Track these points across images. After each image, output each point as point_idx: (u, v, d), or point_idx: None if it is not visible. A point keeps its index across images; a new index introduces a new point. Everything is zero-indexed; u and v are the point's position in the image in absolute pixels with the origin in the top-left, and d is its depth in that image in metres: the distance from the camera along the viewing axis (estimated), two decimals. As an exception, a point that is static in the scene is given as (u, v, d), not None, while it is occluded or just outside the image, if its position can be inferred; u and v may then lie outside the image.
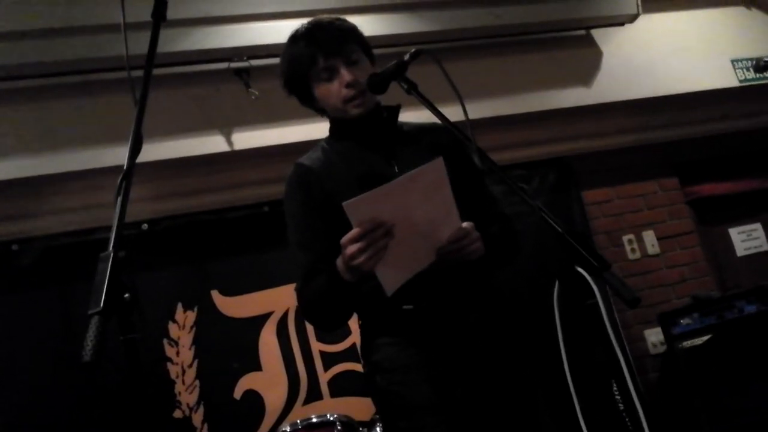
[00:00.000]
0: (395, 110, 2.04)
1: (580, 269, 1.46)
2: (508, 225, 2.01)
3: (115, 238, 1.24)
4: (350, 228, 1.55)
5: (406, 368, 1.84)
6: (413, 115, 2.11)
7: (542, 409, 1.94)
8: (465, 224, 1.71)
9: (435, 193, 1.64)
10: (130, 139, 1.40)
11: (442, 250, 1.69)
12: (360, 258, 1.54)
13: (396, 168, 1.89)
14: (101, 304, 1.12)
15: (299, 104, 2.07)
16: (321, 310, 1.89)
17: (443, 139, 1.91)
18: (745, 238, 5.14)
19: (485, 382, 1.82)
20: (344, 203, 1.49)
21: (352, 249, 1.55)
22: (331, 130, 2.07)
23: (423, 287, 1.79)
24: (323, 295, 1.78)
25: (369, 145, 1.96)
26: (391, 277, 1.62)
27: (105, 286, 1.14)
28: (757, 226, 5.18)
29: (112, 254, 1.20)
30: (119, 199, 1.32)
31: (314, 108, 2.06)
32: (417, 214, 1.62)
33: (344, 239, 1.56)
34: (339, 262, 1.65)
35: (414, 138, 2.03)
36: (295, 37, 1.96)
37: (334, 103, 1.95)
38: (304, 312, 1.94)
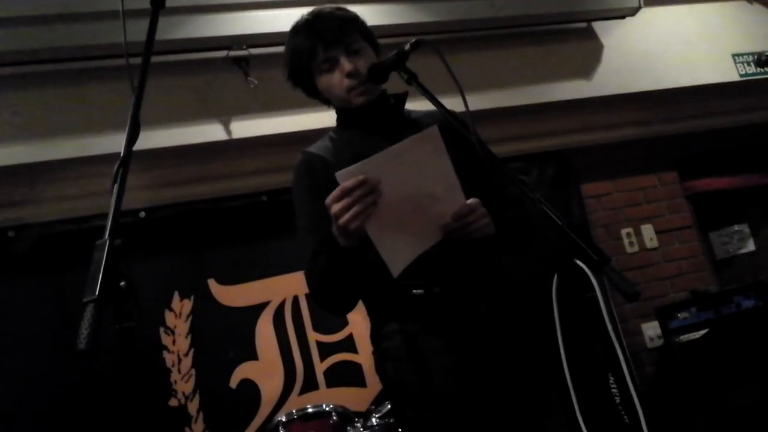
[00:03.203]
0: (402, 97, 2.03)
1: (579, 262, 1.45)
2: (521, 208, 1.97)
3: (111, 226, 1.23)
4: None
5: (416, 357, 1.82)
6: (413, 107, 2.10)
7: (555, 402, 1.93)
8: (471, 201, 1.68)
9: (433, 165, 1.61)
10: (128, 126, 1.39)
11: (447, 227, 1.66)
12: (345, 216, 1.50)
13: None
14: (97, 292, 1.11)
15: (298, 93, 2.05)
16: (327, 287, 1.83)
17: (450, 125, 1.89)
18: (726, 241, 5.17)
19: (496, 373, 1.81)
20: (337, 173, 1.47)
21: (336, 207, 1.51)
22: (337, 120, 2.07)
23: (434, 270, 1.79)
24: (326, 268, 1.74)
25: (376, 132, 1.95)
26: (396, 257, 1.58)
27: (101, 274, 1.13)
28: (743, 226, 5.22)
29: (108, 242, 1.18)
30: (116, 186, 1.30)
31: (320, 99, 2.05)
32: (415, 187, 1.59)
33: (328, 199, 1.53)
34: (333, 227, 1.60)
35: (421, 125, 2.01)
36: (296, 29, 1.95)
37: (336, 94, 1.94)
38: (313, 294, 1.89)
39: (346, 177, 1.48)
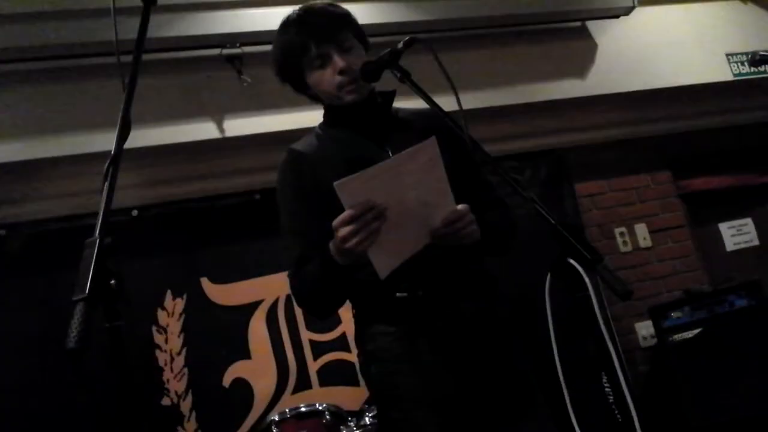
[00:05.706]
0: (390, 96, 2.02)
1: (572, 261, 1.45)
2: (505, 212, 2.00)
3: (101, 224, 1.22)
4: (342, 212, 1.53)
5: (400, 358, 1.83)
6: (406, 105, 2.09)
7: (540, 401, 1.93)
8: (460, 206, 1.69)
9: (429, 174, 1.62)
10: (118, 124, 1.38)
11: (436, 232, 1.67)
12: (352, 241, 1.52)
13: (389, 153, 1.87)
14: (86, 291, 1.10)
15: (292, 91, 2.05)
16: (314, 296, 1.87)
17: (438, 125, 1.88)
18: (735, 233, 5.15)
19: (479, 373, 1.82)
20: (335, 183, 1.47)
21: (344, 231, 1.53)
22: (325, 116, 2.06)
23: (417, 274, 1.79)
24: (317, 280, 1.76)
25: (363, 131, 1.95)
26: (384, 260, 1.59)
27: (90, 273, 1.13)
28: (748, 221, 5.20)
29: (97, 240, 1.18)
30: (106, 184, 1.30)
31: (308, 95, 2.04)
32: (410, 196, 1.60)
33: (336, 221, 1.54)
34: (331, 245, 1.63)
35: (408, 124, 2.01)
36: (287, 23, 1.94)
37: (327, 90, 1.93)
38: (296, 298, 1.92)
39: (345, 188, 1.48)
